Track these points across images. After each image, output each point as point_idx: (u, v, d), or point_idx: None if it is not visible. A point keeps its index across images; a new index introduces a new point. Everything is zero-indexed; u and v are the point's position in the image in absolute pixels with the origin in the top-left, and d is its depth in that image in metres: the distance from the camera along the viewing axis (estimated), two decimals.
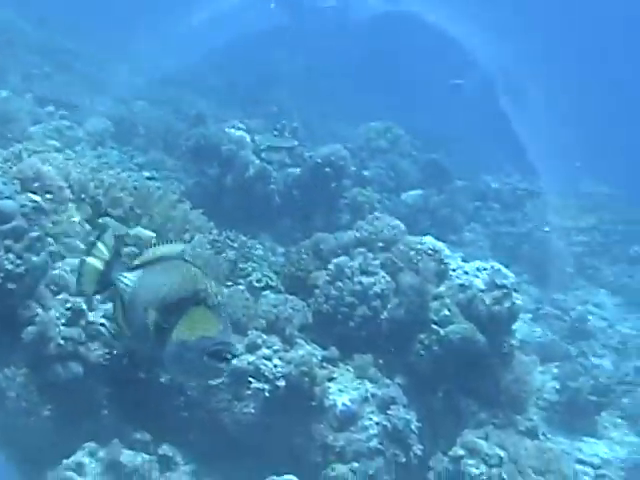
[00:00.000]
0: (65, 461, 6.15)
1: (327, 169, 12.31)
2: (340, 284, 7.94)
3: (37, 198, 6.58)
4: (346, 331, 7.81)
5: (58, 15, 21.25)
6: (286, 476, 6.49)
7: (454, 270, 8.28)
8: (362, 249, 8.22)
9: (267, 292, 7.77)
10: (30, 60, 17.48)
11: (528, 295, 13.23)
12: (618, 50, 25.59)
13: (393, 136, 16.08)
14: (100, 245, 3.53)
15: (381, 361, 7.65)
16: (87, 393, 6.39)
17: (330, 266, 8.13)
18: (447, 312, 7.87)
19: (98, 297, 6.53)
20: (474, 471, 6.77)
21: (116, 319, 3.49)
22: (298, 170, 12.49)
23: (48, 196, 6.72)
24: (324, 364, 7.37)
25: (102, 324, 6.41)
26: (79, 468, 6.19)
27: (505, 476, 6.80)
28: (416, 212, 13.85)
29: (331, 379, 7.28)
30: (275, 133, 13.24)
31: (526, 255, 14.36)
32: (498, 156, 17.91)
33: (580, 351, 11.60)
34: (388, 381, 7.46)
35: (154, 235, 7.29)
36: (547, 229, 15.20)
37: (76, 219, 6.83)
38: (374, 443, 6.97)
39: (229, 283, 7.75)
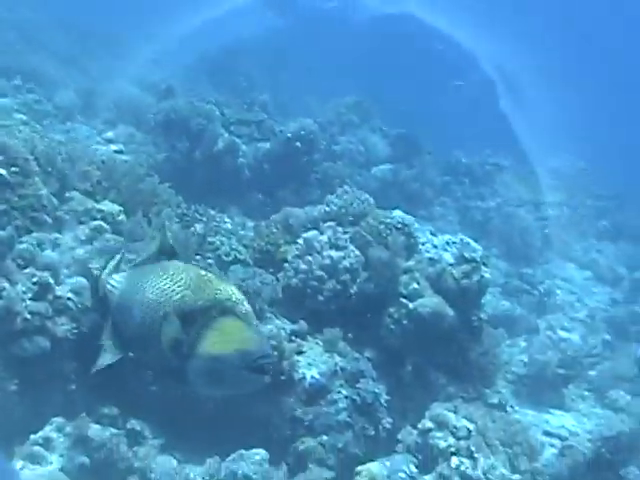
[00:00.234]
0: (33, 436, 6.10)
1: (297, 143, 12.28)
2: (309, 258, 7.92)
3: (2, 171, 6.49)
4: (315, 305, 7.80)
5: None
6: (255, 450, 6.48)
7: (423, 244, 8.29)
8: (331, 223, 8.20)
9: (236, 266, 7.73)
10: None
11: (497, 269, 13.28)
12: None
13: (363, 111, 16.05)
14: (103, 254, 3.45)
15: (350, 335, 7.65)
16: (54, 368, 6.34)
17: (299, 240, 8.11)
18: (416, 286, 7.88)
19: (66, 271, 6.49)
20: (442, 444, 6.79)
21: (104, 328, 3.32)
22: (268, 144, 12.44)
23: (14, 169, 6.63)
24: (293, 338, 7.35)
25: (69, 298, 6.36)
26: (47, 443, 6.15)
27: (473, 448, 6.83)
28: (386, 186, 13.84)
29: (300, 353, 7.26)
30: (244, 107, 13.18)
31: (495, 229, 14.40)
32: (468, 131, 17.91)
33: (548, 325, 11.67)
34: (357, 355, 7.46)
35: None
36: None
37: (43, 192, 6.75)
38: (343, 416, 6.97)
39: (197, 257, 7.71)
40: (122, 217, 7.20)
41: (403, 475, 6.68)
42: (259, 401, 6.91)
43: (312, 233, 8.13)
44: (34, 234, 6.54)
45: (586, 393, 10.25)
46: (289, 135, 12.22)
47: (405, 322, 7.76)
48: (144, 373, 6.75)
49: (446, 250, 8.18)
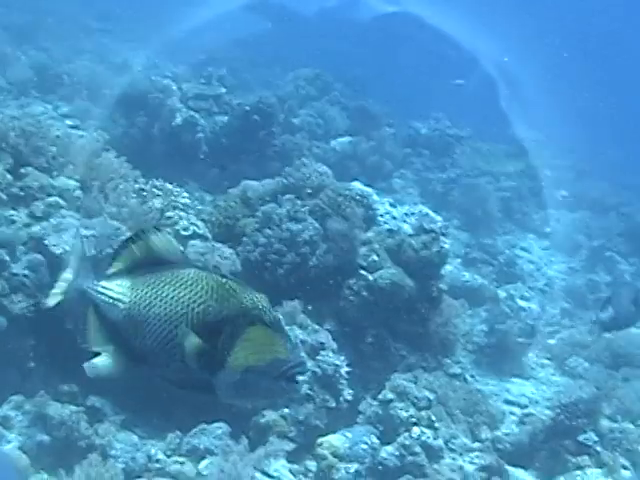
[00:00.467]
0: None
1: (255, 117, 12.20)
2: (268, 231, 7.91)
3: None
4: (275, 278, 7.79)
5: None
6: (216, 424, 6.48)
7: (382, 215, 8.30)
8: (290, 196, 8.18)
9: (194, 241, 7.69)
10: None
11: (458, 240, 13.31)
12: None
13: (322, 83, 16.01)
14: (72, 253, 3.22)
15: (310, 307, 7.64)
16: (11, 346, 6.29)
17: (258, 213, 8.09)
18: (376, 257, 7.89)
19: (22, 248, 6.42)
20: (403, 414, 6.83)
21: (87, 336, 3.14)
22: (226, 118, 12.35)
23: None
24: None
25: (25, 275, 6.30)
26: (5, 422, 6.11)
27: (434, 418, 6.87)
28: (345, 159, 13.81)
29: None
30: (202, 81, 13.07)
31: (455, 201, 14.41)
32: (428, 102, 17.90)
33: (508, 294, 11.72)
34: (317, 327, 7.46)
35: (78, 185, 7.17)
36: None
37: None
38: (304, 389, 6.97)
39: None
40: (79, 193, 7.14)
41: (364, 446, 6.71)
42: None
43: (270, 206, 8.11)
44: None
45: (545, 361, 10.33)
46: (247, 108, 12.14)
47: (365, 293, 7.78)
48: None
49: (405, 221, 8.20)
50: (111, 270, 3.08)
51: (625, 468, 7.31)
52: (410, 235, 8.06)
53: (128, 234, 7.11)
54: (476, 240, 13.52)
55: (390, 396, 7.00)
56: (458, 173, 15.25)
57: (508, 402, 8.96)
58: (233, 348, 2.79)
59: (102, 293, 3.01)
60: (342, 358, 7.27)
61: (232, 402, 3.17)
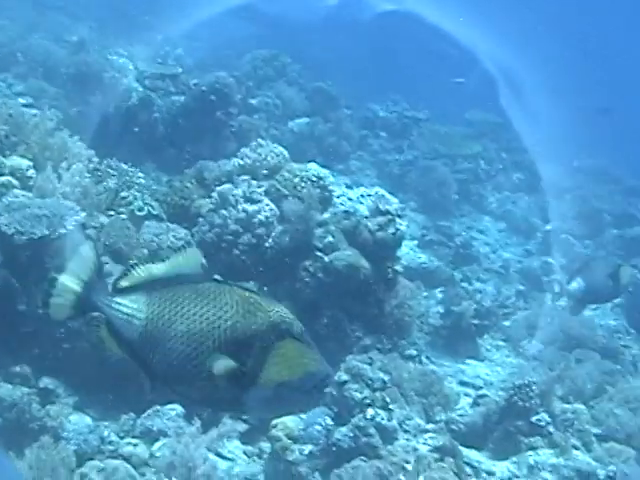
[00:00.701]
0: None
1: (212, 97, 12.11)
2: (224, 212, 7.88)
3: None
4: (230, 259, 7.77)
5: None
6: (170, 405, 6.46)
7: (338, 197, 8.29)
8: (246, 177, 8.15)
9: (149, 221, 7.64)
10: None
11: (414, 222, 13.35)
12: None
13: (280, 64, 15.95)
14: (77, 260, 2.97)
15: (266, 288, 7.63)
16: None
17: (214, 194, 8.05)
18: (331, 239, 7.88)
19: None
20: (358, 395, 6.83)
21: (107, 346, 2.99)
22: (183, 98, 12.25)
23: None
24: None
25: None
26: None
27: (388, 399, 6.88)
28: (303, 140, 13.79)
29: None
30: (159, 60, 12.97)
31: (413, 183, 14.44)
32: (385, 84, 17.88)
33: (464, 276, 11.79)
34: None
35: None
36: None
37: None
38: None
39: (110, 212, 7.60)
40: (32, 172, 7.05)
41: (319, 428, 6.71)
42: None
43: (226, 187, 8.08)
44: None
45: (500, 343, 10.40)
46: (204, 89, 12.04)
47: (320, 275, 7.78)
48: (57, 330, 6.66)
49: (361, 203, 8.19)
50: (123, 284, 2.95)
51: (576, 448, 7.39)
52: (366, 217, 8.05)
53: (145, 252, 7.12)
54: (433, 222, 13.57)
55: (345, 377, 6.99)
56: (415, 155, 15.29)
57: (463, 383, 9.01)
58: (264, 364, 2.76)
59: (116, 309, 2.88)
60: None
61: (261, 416, 3.11)
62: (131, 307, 2.89)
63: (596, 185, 16.70)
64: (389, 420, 6.81)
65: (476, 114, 17.77)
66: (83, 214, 6.72)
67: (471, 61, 18.00)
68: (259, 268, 7.79)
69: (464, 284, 11.43)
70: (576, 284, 8.08)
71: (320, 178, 8.23)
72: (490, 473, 6.98)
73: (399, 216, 8.19)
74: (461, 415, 7.85)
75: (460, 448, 7.09)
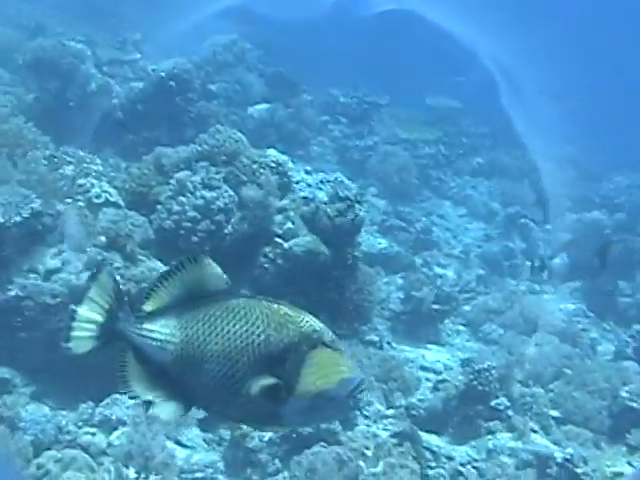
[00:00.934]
0: None
1: (171, 83, 12.03)
2: (182, 199, 7.82)
3: None
4: (189, 246, 7.71)
5: None
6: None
7: (297, 183, 8.27)
8: (204, 163, 8.09)
9: (107, 208, 7.56)
10: None
11: (375, 207, 13.37)
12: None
13: (239, 49, 15.86)
14: (96, 290, 2.83)
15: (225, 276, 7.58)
16: None
17: (172, 181, 7.99)
18: (291, 225, 7.87)
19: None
20: None
21: (130, 382, 2.89)
22: (141, 84, 12.16)
23: None
24: None
25: None
26: None
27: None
28: (263, 126, 13.73)
29: None
30: (117, 46, 12.86)
31: (373, 168, 14.44)
32: (346, 69, 17.85)
33: (424, 261, 11.82)
34: None
35: None
36: None
37: None
38: None
39: (67, 200, 7.51)
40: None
41: None
42: None
43: (184, 173, 8.01)
44: None
45: (461, 328, 10.44)
46: (162, 74, 11.96)
47: (280, 261, 7.76)
48: (14, 319, 6.59)
49: (320, 189, 8.18)
50: (148, 307, 2.83)
51: (534, 432, 7.45)
52: (325, 203, 8.04)
53: (164, 268, 7.03)
54: (393, 207, 13.59)
55: None
56: (376, 140, 15.29)
57: (423, 368, 9.03)
58: (300, 376, 2.74)
59: (147, 336, 2.78)
60: None
61: (299, 427, 3.04)
62: (164, 333, 2.82)
63: (555, 169, 16.77)
64: None
65: (437, 99, 17.80)
66: (39, 202, 6.66)
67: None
68: (218, 255, 7.73)
69: (424, 269, 11.45)
70: (559, 260, 8.10)
71: (279, 164, 8.20)
72: (450, 458, 7.01)
73: (358, 202, 8.19)
74: (421, 400, 7.89)
75: (420, 433, 7.13)
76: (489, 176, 15.93)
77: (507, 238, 13.71)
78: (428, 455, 6.94)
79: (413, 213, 13.58)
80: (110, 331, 2.83)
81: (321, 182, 8.24)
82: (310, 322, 2.79)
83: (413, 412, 7.67)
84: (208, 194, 7.82)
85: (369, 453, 6.44)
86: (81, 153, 8.26)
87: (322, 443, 6.41)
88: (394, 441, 6.63)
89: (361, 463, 6.30)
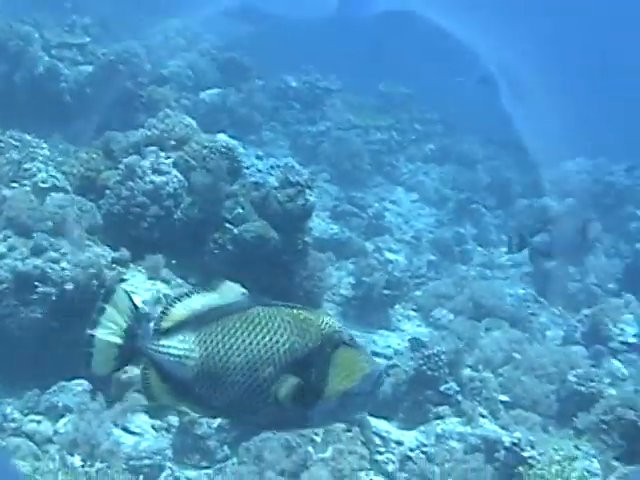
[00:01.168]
0: None
1: (121, 67, 11.92)
2: (131, 184, 7.75)
3: None
4: (138, 231, 7.65)
5: None
6: (76, 381, 6.35)
7: (248, 168, 8.21)
8: (153, 148, 8.02)
9: (54, 193, 7.47)
10: None
11: (327, 193, 13.37)
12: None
13: (192, 34, 15.76)
14: (111, 310, 2.82)
15: (174, 261, 7.55)
16: None
17: (121, 166, 7.91)
18: (240, 210, 7.83)
19: None
20: None
21: (156, 397, 2.85)
22: (91, 68, 12.03)
23: None
24: (114, 266, 7.18)
25: None
26: None
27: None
28: (215, 111, 13.66)
29: (122, 281, 7.12)
30: (66, 29, 12.69)
31: (325, 153, 14.43)
32: (297, 55, 17.80)
33: (376, 247, 11.84)
34: (181, 281, 7.38)
35: None
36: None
37: None
38: None
39: (13, 184, 7.42)
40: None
41: None
42: (80, 332, 6.73)
43: (133, 158, 7.94)
44: None
45: (411, 313, 10.47)
46: (112, 58, 11.84)
47: (230, 247, 7.72)
48: None
49: (271, 174, 8.13)
50: (165, 325, 2.83)
51: (483, 417, 7.49)
52: (275, 188, 8.00)
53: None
54: (345, 193, 13.60)
55: None
56: (328, 126, 15.28)
57: (374, 354, 9.03)
58: (326, 378, 2.75)
59: (165, 352, 2.77)
60: None
61: (325, 426, 3.05)
62: (182, 348, 2.80)
63: (507, 156, 16.89)
64: None
65: (389, 85, 17.82)
66: None
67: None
68: (167, 240, 7.69)
69: (376, 255, 11.48)
70: (540, 238, 8.14)
71: (229, 149, 8.14)
72: (399, 443, 7.03)
73: (309, 187, 8.16)
74: None
75: (369, 419, 7.13)
76: (441, 162, 15.97)
77: (458, 224, 13.78)
78: (377, 440, 6.96)
79: (365, 199, 13.58)
80: (130, 350, 2.81)
81: (271, 167, 8.19)
82: (329, 323, 2.81)
83: None
84: (157, 179, 7.76)
85: (318, 439, 6.43)
86: (27, 137, 8.15)
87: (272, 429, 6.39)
88: (343, 427, 6.63)
89: (310, 449, 6.29)
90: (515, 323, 9.99)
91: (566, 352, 9.10)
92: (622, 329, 10.10)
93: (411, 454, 6.78)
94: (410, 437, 7.19)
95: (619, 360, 9.56)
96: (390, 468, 6.77)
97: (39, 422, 6.09)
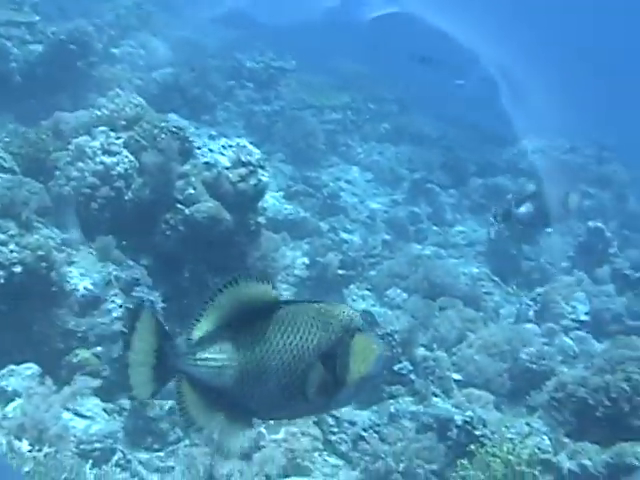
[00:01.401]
0: None
1: (72, 46, 11.76)
2: (81, 165, 7.64)
3: None
4: (88, 213, 7.56)
5: None
6: (25, 364, 6.28)
7: (199, 148, 8.14)
8: (104, 128, 7.92)
9: (1, 174, 7.35)
10: None
11: (282, 173, 13.32)
12: None
13: (144, 13, 15.61)
14: (140, 333, 2.86)
15: (125, 242, 7.46)
16: None
17: (71, 146, 7.80)
18: (192, 191, 7.75)
19: None
20: None
21: (194, 417, 2.85)
22: (41, 47, 11.85)
23: None
24: (64, 248, 7.09)
25: None
26: None
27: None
28: (167, 91, 13.52)
29: (71, 263, 7.03)
30: (14, 7, 12.48)
31: (280, 133, 14.38)
32: (252, 35, 17.72)
33: (330, 227, 11.82)
34: (132, 263, 7.30)
35: None
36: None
37: None
38: (118, 326, 6.82)
39: None
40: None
41: None
42: (29, 315, 6.67)
43: (83, 139, 7.83)
44: None
45: (366, 292, 10.48)
46: (62, 37, 11.67)
47: (181, 228, 7.65)
48: None
49: (222, 154, 8.06)
50: (197, 333, 2.89)
51: (436, 395, 7.52)
52: (227, 168, 7.94)
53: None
54: (300, 173, 13.55)
55: None
56: (282, 106, 15.22)
57: None
58: (347, 366, 2.85)
59: (204, 365, 2.83)
60: (157, 294, 7.16)
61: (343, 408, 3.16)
62: (221, 359, 2.85)
63: (462, 135, 16.94)
64: None
65: (344, 64, 17.79)
66: None
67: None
68: (118, 222, 7.61)
69: (330, 235, 11.47)
70: (524, 208, 8.15)
71: (180, 129, 8.06)
72: (352, 423, 7.02)
73: (261, 167, 8.10)
74: None
75: None
76: (396, 142, 15.97)
77: (413, 203, 13.80)
78: (330, 421, 6.95)
79: (320, 178, 13.55)
80: (164, 370, 2.85)
81: (223, 147, 8.12)
82: (346, 312, 2.91)
83: None
84: (108, 160, 7.66)
85: (271, 421, 6.42)
86: None
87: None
88: None
89: (262, 430, 6.28)
90: (469, 302, 10.04)
91: (519, 330, 9.17)
92: (574, 307, 10.19)
93: (364, 434, 6.79)
94: (363, 417, 7.18)
95: (571, 338, 9.65)
96: (343, 448, 6.78)
97: None
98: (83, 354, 6.67)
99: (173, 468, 6.25)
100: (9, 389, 6.15)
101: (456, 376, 8.07)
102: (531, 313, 10.20)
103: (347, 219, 12.56)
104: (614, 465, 5.77)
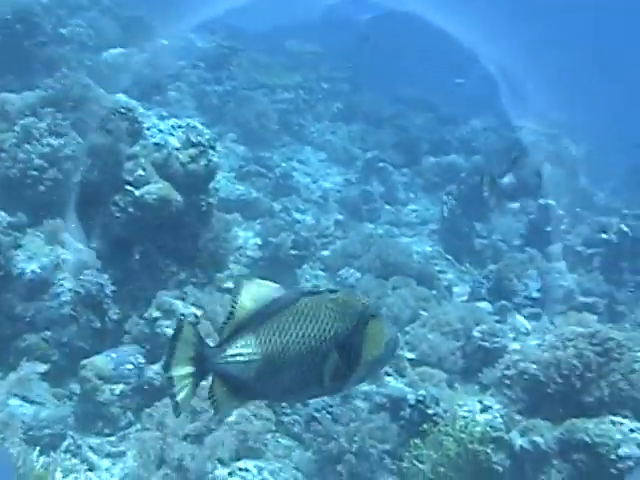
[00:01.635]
0: None
1: (18, 26, 11.56)
2: (28, 147, 7.53)
3: None
4: (36, 195, 7.45)
5: None
6: None
7: (149, 129, 8.05)
8: (50, 109, 7.80)
9: None
10: None
11: (234, 153, 13.24)
12: None
13: None
14: (181, 345, 3.00)
15: (74, 225, 7.37)
16: None
17: (17, 128, 7.67)
18: (142, 172, 7.66)
19: None
20: (169, 331, 6.71)
21: (225, 409, 3.02)
22: None
23: None
24: (10, 231, 6.99)
25: None
26: None
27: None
28: (117, 71, 13.35)
29: (19, 246, 6.93)
30: None
31: (232, 113, 14.28)
32: (204, 14, 17.54)
33: (283, 207, 11.78)
34: (81, 246, 7.21)
35: None
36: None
37: None
38: (67, 310, 6.75)
39: None
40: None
41: (130, 366, 6.58)
42: None
43: (30, 120, 7.70)
44: None
45: (319, 272, 10.46)
46: (8, 17, 11.46)
47: (131, 209, 7.56)
48: None
49: (172, 135, 7.98)
50: (228, 330, 2.98)
51: (389, 375, 7.51)
52: (177, 149, 7.86)
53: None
54: (253, 153, 13.48)
55: (156, 314, 6.88)
56: (234, 86, 15.11)
57: None
58: (362, 352, 2.96)
59: (232, 361, 2.95)
60: (106, 277, 7.07)
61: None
62: (246, 353, 2.97)
63: (414, 114, 16.95)
64: None
65: (296, 44, 17.71)
66: None
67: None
68: (67, 204, 7.51)
69: (283, 215, 11.42)
70: (507, 179, 8.13)
71: (129, 110, 7.95)
72: (304, 404, 7.00)
73: (212, 147, 8.03)
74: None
75: None
76: (349, 121, 15.94)
77: (366, 182, 13.78)
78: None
79: (273, 158, 13.50)
80: (201, 372, 2.99)
81: (173, 128, 8.03)
82: (360, 300, 3.01)
83: None
84: (55, 141, 7.56)
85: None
86: None
87: None
88: None
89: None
90: (422, 281, 10.02)
91: (472, 308, 9.18)
92: (526, 284, 10.23)
93: (317, 415, 6.76)
94: (315, 400, 7.17)
95: (523, 315, 9.70)
96: (296, 429, 6.76)
97: None
98: (31, 339, 6.59)
99: (124, 453, 6.22)
100: None
101: (409, 355, 8.07)
102: (484, 291, 10.23)
103: (300, 199, 12.52)
104: (565, 441, 5.79)
